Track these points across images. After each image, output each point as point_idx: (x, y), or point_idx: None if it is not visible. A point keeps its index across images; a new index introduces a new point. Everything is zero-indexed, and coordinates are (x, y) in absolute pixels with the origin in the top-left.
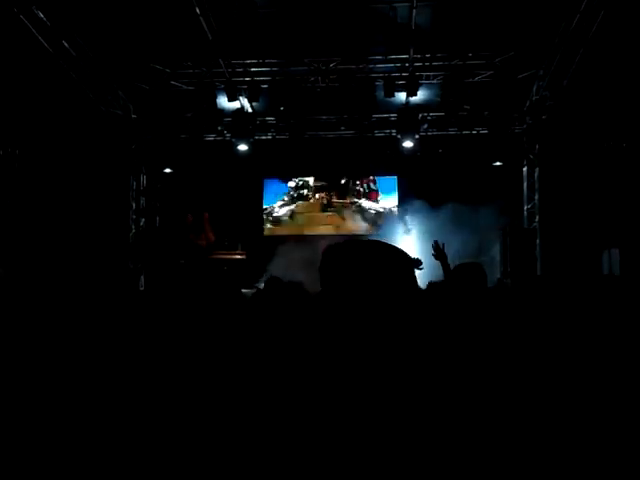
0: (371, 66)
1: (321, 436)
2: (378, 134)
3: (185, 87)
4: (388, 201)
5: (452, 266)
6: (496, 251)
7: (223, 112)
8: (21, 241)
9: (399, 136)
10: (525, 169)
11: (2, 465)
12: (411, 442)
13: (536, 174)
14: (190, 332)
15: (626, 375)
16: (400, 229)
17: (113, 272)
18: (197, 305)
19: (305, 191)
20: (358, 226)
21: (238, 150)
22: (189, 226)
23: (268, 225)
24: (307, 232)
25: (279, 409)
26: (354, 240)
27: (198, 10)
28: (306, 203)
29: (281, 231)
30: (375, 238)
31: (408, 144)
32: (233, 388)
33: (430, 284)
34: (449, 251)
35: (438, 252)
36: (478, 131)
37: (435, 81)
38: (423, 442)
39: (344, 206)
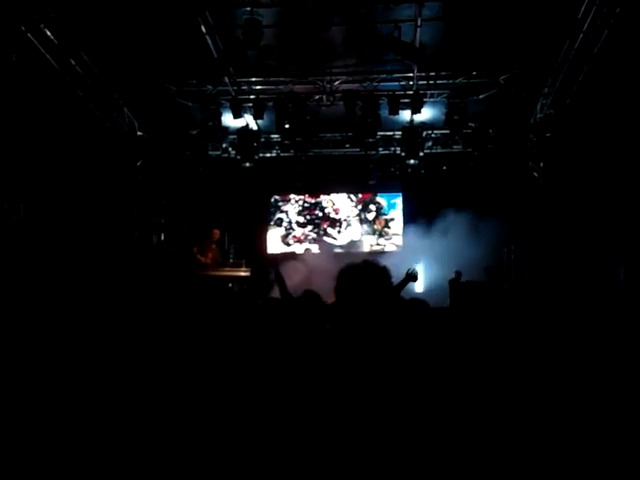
0: (375, 84)
1: (321, 436)
2: (383, 152)
3: (190, 104)
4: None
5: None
6: (501, 268)
7: (228, 129)
8: (26, 254)
9: (403, 154)
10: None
11: (3, 464)
12: (405, 443)
13: (541, 191)
14: (194, 336)
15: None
16: None
17: (117, 288)
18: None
19: None
20: None
21: (243, 167)
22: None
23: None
24: None
25: (284, 409)
26: (355, 265)
27: (204, 29)
28: None
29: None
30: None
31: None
32: (238, 390)
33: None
34: (452, 269)
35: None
36: (482, 149)
37: (439, 99)
38: (416, 442)
39: None
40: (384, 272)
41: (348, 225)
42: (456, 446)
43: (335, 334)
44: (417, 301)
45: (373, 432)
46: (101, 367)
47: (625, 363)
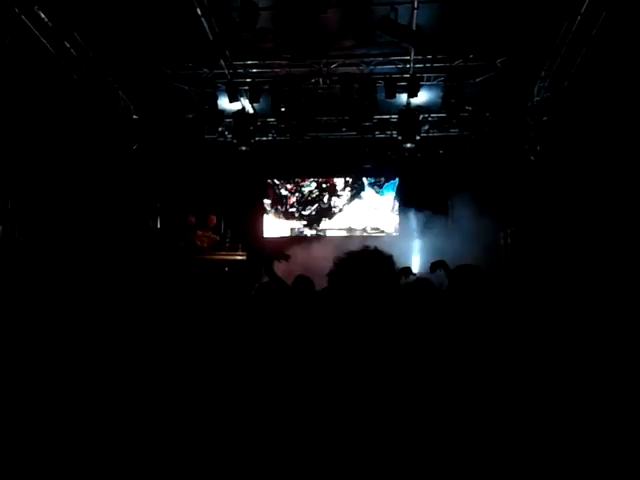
0: (372, 67)
1: (322, 433)
2: (379, 135)
3: (186, 88)
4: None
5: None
6: (498, 253)
7: (224, 113)
8: (20, 239)
9: (400, 137)
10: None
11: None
12: (406, 437)
13: (537, 175)
14: (193, 330)
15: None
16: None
17: (114, 273)
18: (200, 304)
19: None
20: None
21: (239, 151)
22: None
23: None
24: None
25: (283, 404)
26: (356, 253)
27: (199, 11)
28: None
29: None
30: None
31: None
32: (237, 385)
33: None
34: (449, 253)
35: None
36: (479, 132)
37: (436, 82)
38: (418, 437)
39: None
40: (388, 261)
41: (340, 211)
42: (456, 441)
43: (330, 322)
44: (422, 281)
45: (368, 426)
46: (98, 352)
47: (625, 351)
